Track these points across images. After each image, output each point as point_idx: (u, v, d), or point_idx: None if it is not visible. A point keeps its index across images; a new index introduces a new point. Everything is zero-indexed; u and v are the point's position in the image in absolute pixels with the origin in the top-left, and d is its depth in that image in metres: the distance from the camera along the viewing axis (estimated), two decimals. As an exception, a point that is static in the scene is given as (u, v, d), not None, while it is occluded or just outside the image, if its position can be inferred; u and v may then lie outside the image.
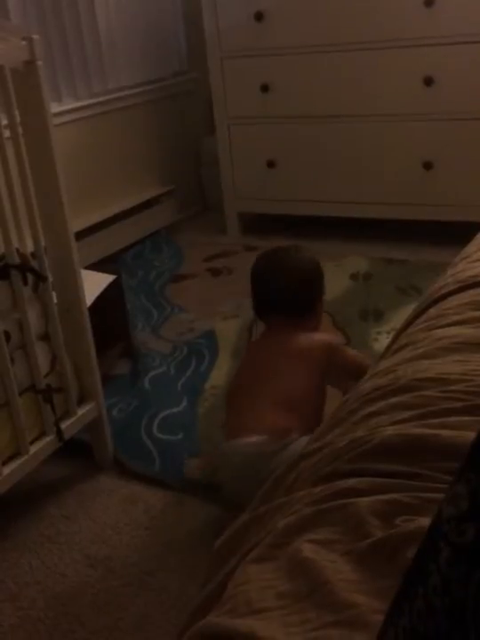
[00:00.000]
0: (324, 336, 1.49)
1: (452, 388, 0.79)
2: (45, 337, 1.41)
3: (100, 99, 2.73)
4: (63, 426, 1.43)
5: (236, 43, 2.68)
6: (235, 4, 2.63)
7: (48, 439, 1.41)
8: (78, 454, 1.60)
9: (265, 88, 2.68)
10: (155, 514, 1.44)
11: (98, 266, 2.49)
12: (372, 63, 2.49)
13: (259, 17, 2.59)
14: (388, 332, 2.04)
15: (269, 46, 2.62)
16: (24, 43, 1.23)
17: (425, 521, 0.60)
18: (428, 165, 2.52)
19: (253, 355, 1.50)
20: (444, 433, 0.69)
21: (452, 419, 0.73)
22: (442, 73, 2.39)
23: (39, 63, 1.27)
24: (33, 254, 1.37)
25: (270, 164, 2.79)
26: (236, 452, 1.32)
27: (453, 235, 2.44)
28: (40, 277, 1.36)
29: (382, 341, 1.99)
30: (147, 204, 3.00)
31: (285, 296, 1.44)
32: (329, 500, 0.65)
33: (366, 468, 0.69)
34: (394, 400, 0.79)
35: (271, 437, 1.29)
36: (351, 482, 0.67)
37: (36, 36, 1.26)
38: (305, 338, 1.42)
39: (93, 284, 1.83)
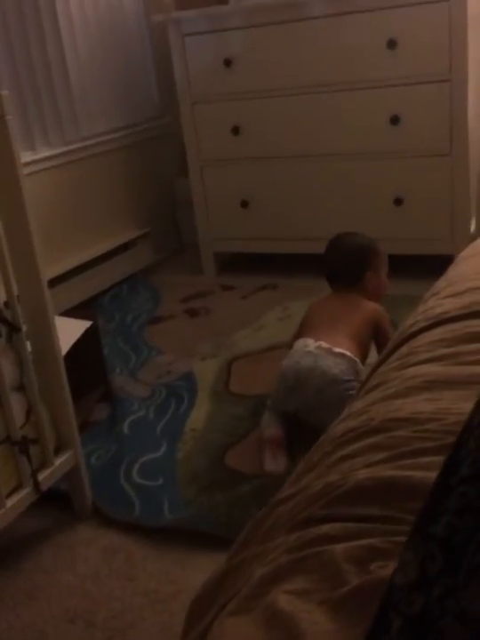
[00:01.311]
0: (376, 305, 1.88)
1: (424, 427, 0.79)
2: (20, 387, 1.40)
3: (74, 146, 2.76)
4: (40, 477, 1.41)
5: (207, 88, 2.74)
6: (204, 51, 2.70)
7: (25, 491, 1.39)
8: (56, 504, 1.58)
9: (236, 130, 2.72)
10: (135, 562, 1.41)
11: (75, 310, 2.49)
12: (340, 104, 2.55)
13: (227, 63, 2.65)
14: (368, 365, 2.05)
15: (239, 90, 2.68)
16: (-7, 97, 1.25)
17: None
18: (398, 201, 2.57)
19: (318, 307, 1.90)
20: (416, 474, 0.70)
21: (425, 459, 0.73)
22: (407, 112, 2.45)
23: (9, 118, 1.28)
24: (6, 304, 1.37)
25: (244, 204, 2.82)
26: (294, 359, 1.73)
27: (426, 268, 2.47)
28: (13, 328, 1.35)
29: (363, 374, 1.99)
30: (123, 247, 3.02)
31: (337, 267, 1.93)
32: (304, 547, 0.65)
33: (340, 512, 0.69)
34: (367, 442, 0.79)
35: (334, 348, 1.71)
36: (326, 528, 0.67)
37: (5, 92, 1.27)
38: (361, 301, 1.86)
39: (69, 331, 1.83)
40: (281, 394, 1.75)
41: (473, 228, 2.51)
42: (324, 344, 1.71)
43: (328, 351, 1.70)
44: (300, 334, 1.86)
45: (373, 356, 1.83)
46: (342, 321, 1.80)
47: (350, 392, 1.59)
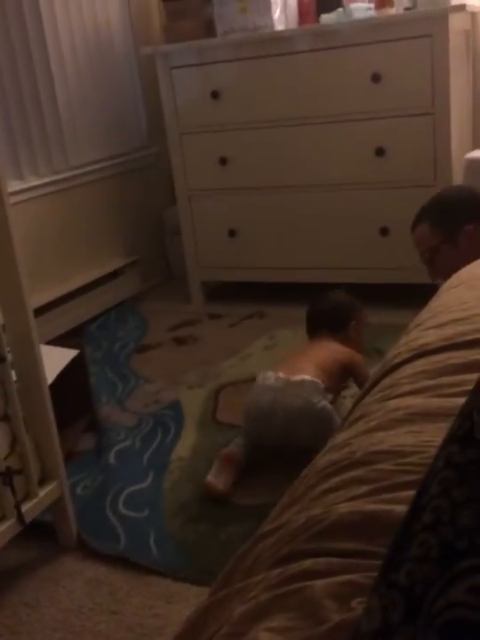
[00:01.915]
0: (351, 350, 1.96)
1: (406, 460, 0.79)
2: (5, 417, 1.39)
3: (62, 175, 2.79)
4: (24, 508, 1.40)
5: (194, 119, 2.78)
6: (192, 83, 2.74)
7: (8, 523, 1.37)
8: (40, 536, 1.56)
9: (223, 161, 2.76)
10: (120, 596, 1.40)
11: (63, 338, 2.49)
12: (326, 136, 2.59)
13: (215, 95, 2.69)
14: (352, 396, 2.05)
15: (226, 122, 2.72)
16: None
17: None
18: (384, 231, 2.60)
19: (298, 349, 2.02)
20: (398, 508, 0.70)
21: (406, 493, 0.73)
22: (392, 144, 2.49)
23: (-4, 149, 1.30)
24: (-9, 333, 1.37)
25: (231, 233, 2.85)
26: (258, 393, 1.77)
27: (411, 296, 2.49)
28: (-1, 358, 1.35)
29: (347, 405, 2.00)
30: (111, 276, 3.02)
31: (323, 316, 2.04)
32: (285, 584, 0.65)
33: (322, 547, 0.69)
34: (349, 475, 0.80)
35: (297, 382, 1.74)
36: (307, 563, 0.67)
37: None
38: (337, 344, 1.96)
39: (55, 360, 1.83)
40: (250, 432, 1.77)
41: (457, 257, 2.54)
42: (281, 375, 1.76)
43: (286, 382, 1.73)
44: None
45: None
46: (311, 354, 1.88)
47: (320, 407, 1.68)
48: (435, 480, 0.47)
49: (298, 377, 1.74)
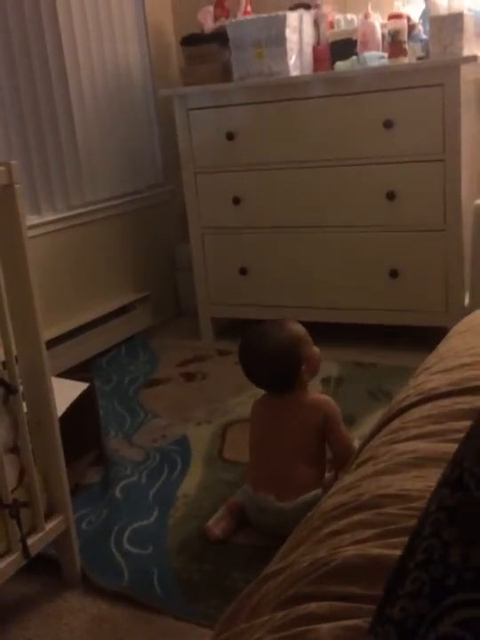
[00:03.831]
0: (320, 401, 1.68)
1: (413, 505, 0.80)
2: (14, 449, 1.41)
3: (79, 211, 2.84)
4: (30, 542, 1.40)
5: (209, 159, 2.83)
6: (207, 124, 2.80)
7: (13, 556, 1.37)
8: (45, 570, 1.56)
9: (237, 200, 2.80)
10: (122, 635, 1.39)
11: (74, 371, 2.51)
12: (338, 179, 2.63)
13: (230, 136, 2.75)
14: (360, 438, 2.05)
15: (240, 163, 2.77)
16: (2, 168, 1.30)
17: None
18: (393, 273, 2.62)
19: (261, 413, 1.72)
20: (403, 553, 0.70)
21: (412, 538, 0.73)
22: (403, 188, 2.53)
23: (17, 186, 1.33)
24: (3, 364, 1.39)
25: (242, 271, 2.88)
26: (259, 509, 1.61)
27: (420, 338, 2.51)
28: (10, 389, 1.37)
29: (355, 445, 1.99)
30: (123, 310, 3.06)
31: (267, 381, 1.68)
32: (289, 626, 0.65)
33: (327, 590, 0.69)
34: (355, 518, 0.80)
35: (287, 493, 1.58)
36: (312, 606, 0.67)
37: (14, 162, 1.33)
38: (303, 399, 1.66)
39: (65, 393, 1.84)
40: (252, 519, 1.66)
41: (467, 301, 2.56)
42: (273, 500, 1.58)
43: (281, 509, 1.57)
44: (252, 457, 1.70)
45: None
46: (289, 442, 1.63)
47: (318, 498, 1.44)
48: (427, 522, 0.50)
49: (295, 501, 1.57)
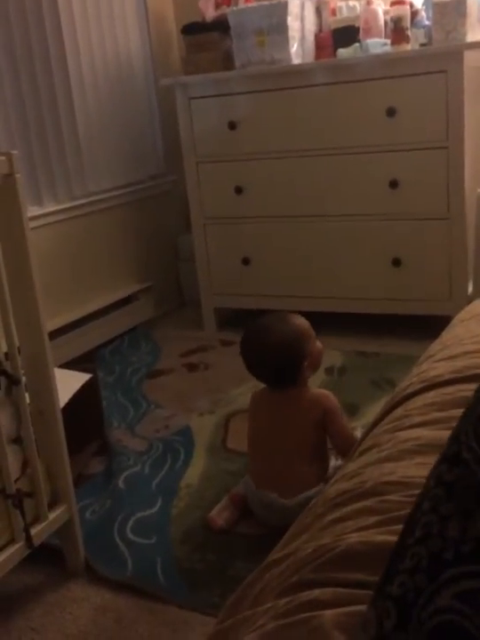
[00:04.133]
0: (320, 396, 1.65)
1: (416, 491, 0.79)
2: (17, 439, 1.40)
3: (80, 201, 2.83)
4: (33, 531, 1.40)
5: (211, 148, 2.82)
6: (209, 113, 2.79)
7: (17, 546, 1.37)
8: (48, 560, 1.56)
9: (239, 190, 2.79)
10: (126, 624, 1.39)
11: (76, 362, 2.51)
12: (341, 167, 2.62)
13: (232, 126, 2.73)
14: (363, 427, 2.05)
15: (242, 152, 2.76)
16: (3, 158, 1.29)
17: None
18: (396, 262, 2.61)
19: (260, 407, 1.70)
20: (407, 540, 0.70)
21: (415, 524, 0.73)
22: (406, 176, 2.52)
23: (18, 176, 1.33)
24: (6, 355, 1.38)
25: (245, 261, 2.87)
26: (262, 504, 1.61)
27: (423, 327, 2.50)
28: (13, 380, 1.37)
29: (357, 435, 1.99)
30: (125, 301, 3.05)
31: (268, 375, 1.65)
32: (293, 613, 0.65)
33: (331, 577, 0.69)
34: (359, 505, 0.80)
35: (289, 490, 1.57)
36: (315, 593, 0.67)
37: (15, 152, 1.32)
38: (303, 395, 1.64)
39: (68, 383, 1.84)
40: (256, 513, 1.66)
41: (470, 289, 2.55)
42: (276, 497, 1.57)
43: (284, 506, 1.57)
44: (251, 447, 1.69)
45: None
46: (289, 438, 1.61)
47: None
48: (426, 498, 0.50)
49: (296, 500, 1.56)
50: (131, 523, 1.70)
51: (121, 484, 1.87)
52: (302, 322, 1.65)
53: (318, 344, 1.67)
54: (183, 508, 1.75)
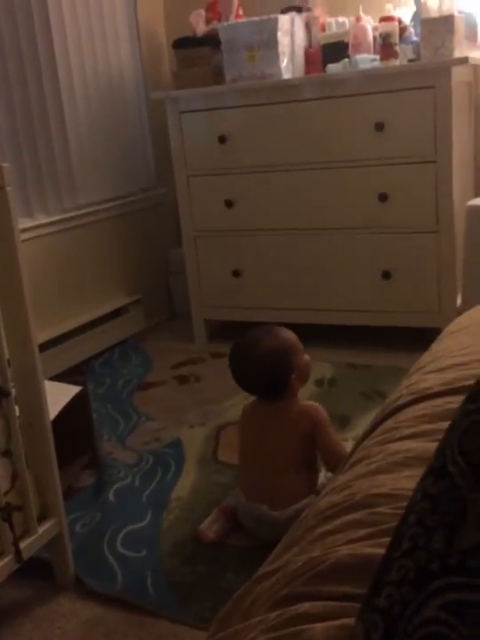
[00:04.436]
0: (309, 409, 1.66)
1: (405, 504, 0.80)
2: (6, 453, 1.40)
3: (71, 214, 2.84)
4: (22, 545, 1.39)
5: (202, 162, 2.83)
6: (200, 127, 2.80)
7: (6, 560, 1.36)
8: (37, 574, 1.55)
9: (229, 203, 2.80)
10: (116, 638, 1.38)
11: (66, 374, 2.50)
12: (330, 181, 2.64)
13: (222, 139, 2.75)
14: (354, 439, 2.05)
15: (232, 166, 2.78)
16: (-6, 171, 1.30)
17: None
18: (386, 275, 2.63)
19: (251, 420, 1.71)
20: (396, 552, 0.70)
21: (405, 537, 0.73)
22: (394, 190, 2.54)
23: (9, 189, 1.33)
24: (-4, 368, 1.38)
25: (236, 274, 2.88)
26: (252, 517, 1.61)
27: (413, 339, 2.51)
28: (3, 393, 1.36)
29: (348, 447, 1.99)
30: (116, 313, 3.05)
31: (257, 387, 1.67)
32: (284, 626, 0.65)
33: (321, 590, 0.69)
34: (348, 518, 0.80)
35: (279, 502, 1.58)
36: (305, 606, 0.67)
37: (6, 164, 1.32)
38: (292, 407, 1.65)
39: (58, 396, 1.84)
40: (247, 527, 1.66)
41: (459, 301, 2.57)
42: (266, 509, 1.58)
43: (274, 519, 1.57)
44: (240, 458, 1.70)
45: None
46: (279, 451, 1.61)
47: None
48: (412, 511, 0.50)
49: (286, 512, 1.56)
50: (121, 536, 1.69)
51: (111, 496, 1.87)
52: (290, 335, 1.67)
53: (306, 357, 1.68)
54: (173, 521, 1.74)
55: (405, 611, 0.44)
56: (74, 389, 1.95)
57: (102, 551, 1.64)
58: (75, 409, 1.91)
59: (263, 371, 1.61)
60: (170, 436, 2.22)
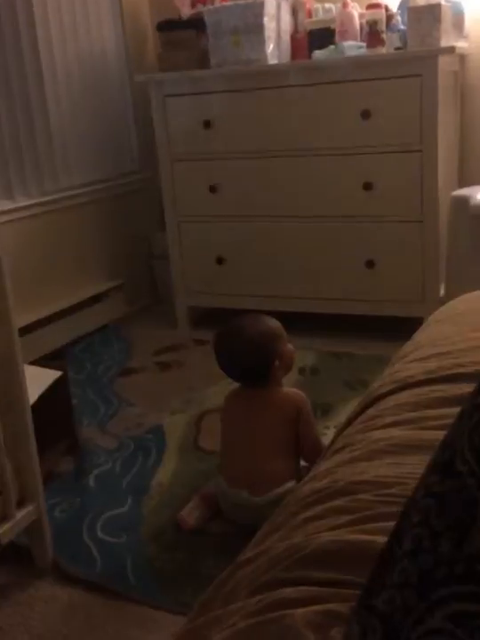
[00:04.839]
0: (294, 394, 1.70)
1: (388, 491, 0.80)
2: (-15, 437, 1.38)
3: (52, 196, 2.80)
4: (0, 530, 1.38)
5: (186, 147, 2.81)
6: (184, 111, 2.77)
7: (-16, 545, 1.35)
8: (16, 559, 1.54)
9: (213, 189, 2.78)
10: (96, 623, 1.38)
11: (46, 359, 2.48)
12: (315, 168, 2.63)
13: (207, 124, 2.73)
14: (336, 427, 2.06)
15: (217, 151, 2.75)
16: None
17: (357, 629, 0.60)
18: (370, 264, 2.63)
19: (234, 406, 1.72)
20: (379, 539, 0.70)
21: (387, 524, 0.73)
22: (380, 178, 2.54)
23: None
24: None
25: (219, 260, 2.87)
26: (233, 503, 1.61)
27: (396, 328, 2.52)
28: (-18, 377, 1.35)
29: (330, 436, 2.00)
30: (97, 298, 3.03)
31: (240, 373, 1.68)
32: (265, 611, 0.65)
33: (303, 576, 0.69)
34: (331, 504, 0.80)
35: (260, 488, 1.58)
36: (287, 591, 0.67)
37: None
38: (276, 393, 1.68)
39: (38, 380, 1.82)
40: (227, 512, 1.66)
41: (442, 292, 2.58)
42: (246, 495, 1.59)
43: (255, 503, 1.57)
44: (223, 450, 1.70)
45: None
46: (261, 436, 1.63)
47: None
48: (415, 508, 0.47)
49: (267, 497, 1.56)
50: (100, 521, 1.68)
51: (91, 482, 1.86)
52: (274, 323, 1.69)
53: (290, 346, 1.69)
54: (154, 507, 1.74)
55: (407, 618, 0.42)
56: (54, 374, 1.93)
57: (82, 537, 1.63)
58: (55, 394, 1.90)
59: (247, 356, 1.63)
60: (151, 422, 2.21)
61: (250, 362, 1.64)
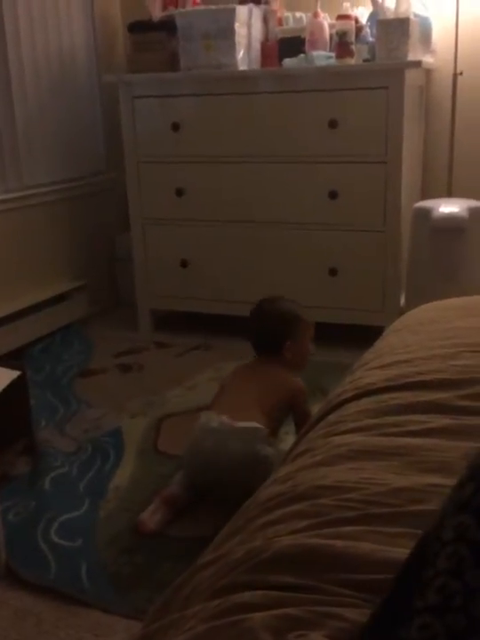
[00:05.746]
0: (292, 382, 1.82)
1: (347, 496, 0.81)
2: None
3: (16, 194, 2.75)
4: (-48, 532, 1.35)
5: (153, 149, 2.80)
6: (153, 114, 2.76)
7: None
8: (-33, 563, 1.50)
9: (179, 192, 2.78)
10: (47, 628, 1.35)
11: (4, 359, 2.43)
12: (281, 175, 2.64)
13: (175, 127, 2.72)
14: (296, 432, 2.07)
15: (184, 154, 2.75)
16: None
17: (316, 636, 0.60)
18: (332, 271, 2.65)
19: (238, 372, 1.87)
20: (338, 543, 0.70)
21: (346, 528, 0.74)
22: (345, 188, 2.56)
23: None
24: None
25: (183, 264, 2.86)
26: (205, 430, 1.66)
27: (356, 337, 2.54)
28: None
29: (289, 441, 2.01)
30: (58, 298, 2.98)
31: (257, 336, 1.89)
32: (223, 615, 0.64)
33: (262, 579, 0.69)
34: (291, 508, 0.80)
35: (238, 420, 1.65)
36: (246, 595, 0.66)
37: None
38: (279, 374, 1.82)
39: (-4, 380, 1.78)
40: (191, 473, 1.70)
41: (403, 301, 2.61)
42: (225, 419, 1.66)
43: (230, 427, 1.64)
44: (215, 399, 1.83)
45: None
46: (254, 394, 1.75)
47: (264, 455, 1.62)
48: (443, 553, 0.40)
49: (242, 423, 1.65)
50: (55, 525, 1.65)
51: (47, 485, 1.83)
52: (307, 316, 1.90)
53: (311, 345, 1.90)
54: (111, 511, 1.72)
55: None
56: (12, 374, 1.90)
57: (36, 540, 1.60)
58: (12, 394, 1.86)
59: (267, 320, 1.86)
60: (110, 424, 2.19)
61: (267, 326, 1.85)
